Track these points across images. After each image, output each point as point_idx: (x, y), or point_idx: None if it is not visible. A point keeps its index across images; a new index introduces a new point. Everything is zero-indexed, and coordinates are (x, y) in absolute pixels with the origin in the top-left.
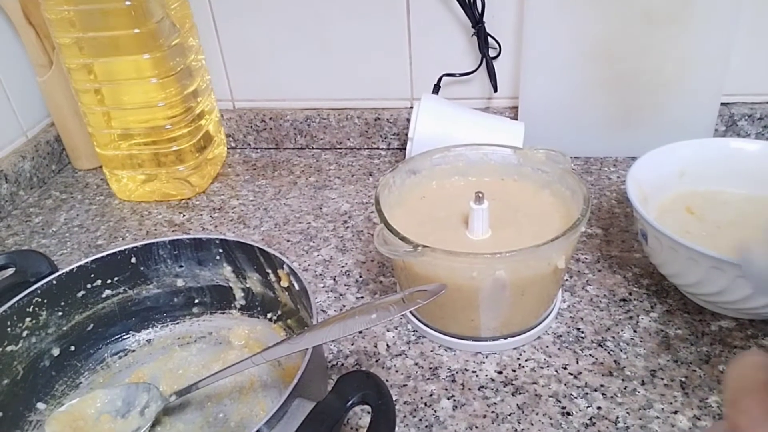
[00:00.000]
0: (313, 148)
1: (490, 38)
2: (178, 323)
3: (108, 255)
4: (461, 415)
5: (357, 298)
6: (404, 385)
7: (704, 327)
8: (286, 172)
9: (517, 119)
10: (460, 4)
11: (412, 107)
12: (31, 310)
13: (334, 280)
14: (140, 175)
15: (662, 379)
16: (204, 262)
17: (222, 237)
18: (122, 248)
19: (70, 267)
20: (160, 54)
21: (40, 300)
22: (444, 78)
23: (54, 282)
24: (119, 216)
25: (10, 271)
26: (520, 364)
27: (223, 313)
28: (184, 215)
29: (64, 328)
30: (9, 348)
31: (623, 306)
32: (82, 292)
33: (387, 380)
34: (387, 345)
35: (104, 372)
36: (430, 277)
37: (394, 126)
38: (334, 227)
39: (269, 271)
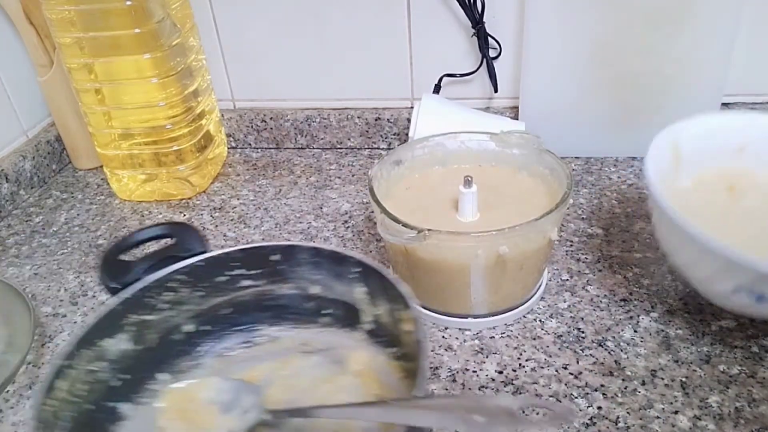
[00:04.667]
0: (313, 148)
1: (490, 38)
2: (305, 328)
3: (254, 247)
4: None
5: None
6: None
7: (705, 327)
8: (286, 171)
9: (517, 119)
10: (460, 5)
11: (412, 107)
12: (174, 285)
13: None
14: (141, 174)
15: (662, 379)
16: (340, 277)
17: (360, 258)
18: (268, 244)
19: (218, 252)
20: (160, 54)
21: (185, 278)
22: (444, 78)
23: (201, 263)
24: (120, 216)
25: (170, 241)
26: (520, 364)
27: (350, 331)
28: (184, 215)
29: (201, 308)
30: (147, 317)
31: (624, 306)
32: (224, 278)
33: None
34: None
35: (226, 359)
36: (435, 261)
37: (394, 126)
38: (334, 227)
39: (398, 306)
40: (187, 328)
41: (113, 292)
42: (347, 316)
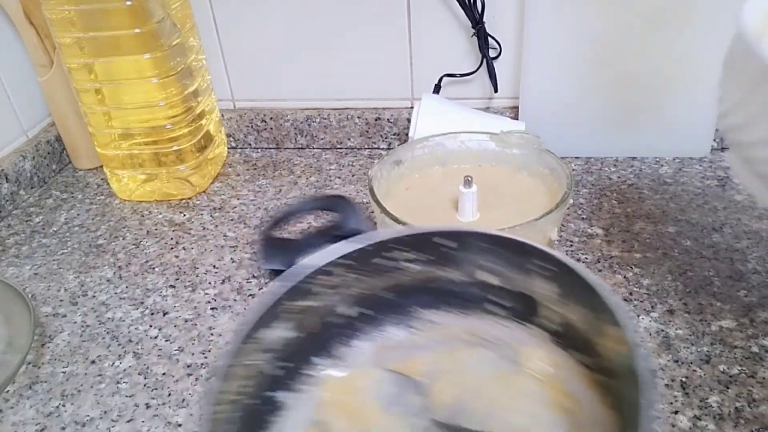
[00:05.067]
0: (313, 148)
1: (490, 38)
2: (471, 316)
3: (424, 233)
4: None
5: None
6: None
7: (705, 327)
8: (286, 171)
9: (517, 119)
10: (460, 5)
11: (412, 107)
12: (339, 269)
13: None
14: (141, 174)
15: (662, 379)
16: (524, 269)
17: (561, 258)
18: (442, 229)
19: (387, 236)
20: (160, 54)
21: (351, 262)
22: (444, 78)
23: (369, 248)
24: (120, 216)
25: (329, 216)
26: None
27: (525, 326)
28: (184, 215)
29: (363, 291)
30: (311, 303)
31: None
32: (388, 261)
33: None
34: None
35: (384, 345)
36: None
37: (394, 126)
38: None
39: (602, 318)
40: (346, 312)
41: (271, 273)
42: (523, 309)
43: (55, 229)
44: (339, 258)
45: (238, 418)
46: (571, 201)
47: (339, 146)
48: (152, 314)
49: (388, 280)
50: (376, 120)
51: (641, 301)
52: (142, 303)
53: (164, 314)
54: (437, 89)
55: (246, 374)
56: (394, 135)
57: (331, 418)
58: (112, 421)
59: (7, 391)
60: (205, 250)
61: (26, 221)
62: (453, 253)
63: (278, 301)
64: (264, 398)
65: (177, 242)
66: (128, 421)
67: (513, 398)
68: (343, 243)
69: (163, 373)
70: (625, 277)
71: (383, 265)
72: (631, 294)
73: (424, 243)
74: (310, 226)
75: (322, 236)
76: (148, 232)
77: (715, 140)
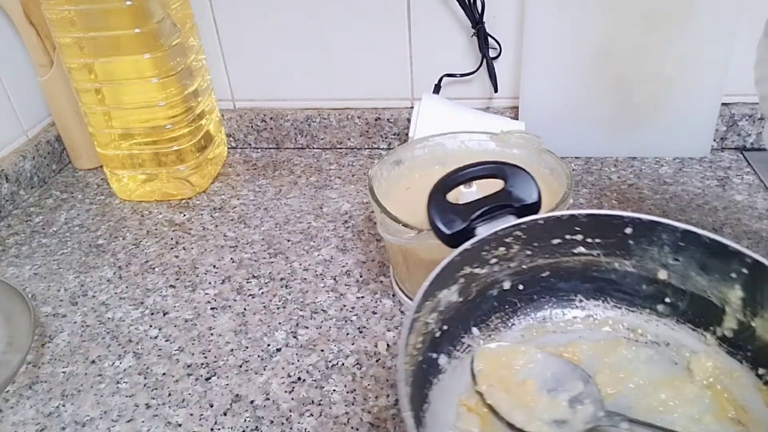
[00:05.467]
0: (313, 148)
1: (490, 38)
2: (636, 313)
3: (604, 215)
4: None
5: (357, 297)
6: None
7: None
8: (286, 171)
9: (517, 119)
10: (460, 5)
11: (412, 107)
12: (508, 240)
13: (335, 279)
14: (141, 174)
15: None
16: (709, 270)
17: (759, 258)
18: (621, 214)
19: (561, 213)
20: (160, 54)
21: (520, 234)
22: (444, 78)
23: (540, 222)
24: (120, 215)
25: (499, 184)
26: None
27: (699, 331)
28: (184, 215)
29: (524, 267)
30: (476, 270)
31: None
32: (558, 240)
33: (387, 380)
34: (387, 345)
35: (539, 325)
36: (435, 261)
37: (394, 126)
38: (334, 227)
39: None
40: (505, 285)
41: (444, 238)
42: (701, 314)
43: (55, 229)
44: (513, 229)
45: (411, 372)
46: (571, 201)
47: (339, 146)
48: (152, 314)
49: (553, 260)
50: (376, 120)
51: None
52: (142, 303)
53: (164, 314)
54: (437, 89)
55: (420, 330)
56: (394, 135)
57: (489, 390)
58: (112, 421)
59: (7, 391)
60: (205, 250)
61: (26, 221)
62: (634, 245)
63: (452, 265)
64: (427, 358)
65: (177, 242)
66: (128, 421)
67: (679, 403)
68: (522, 218)
69: (163, 373)
70: None
71: (554, 245)
72: None
73: (604, 227)
74: (484, 197)
75: (492, 204)
76: (148, 232)
77: (715, 140)
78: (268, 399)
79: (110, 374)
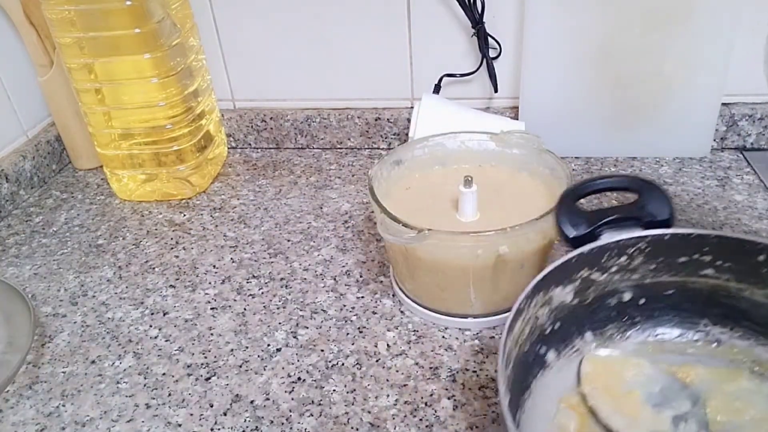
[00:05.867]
0: (313, 148)
1: (490, 38)
2: (764, 345)
3: (734, 238)
4: (462, 414)
5: (357, 297)
6: (404, 385)
7: None
8: (286, 171)
9: (517, 119)
10: (460, 5)
11: (412, 107)
12: (631, 252)
13: (335, 279)
14: (141, 174)
15: None
16: None
17: None
18: (754, 240)
19: (689, 231)
20: (160, 54)
21: (643, 247)
22: (444, 78)
23: (666, 237)
24: (120, 216)
25: (632, 197)
26: None
27: None
28: (184, 215)
29: (647, 281)
30: (594, 276)
31: None
32: (685, 259)
33: (387, 380)
34: (387, 345)
35: (656, 342)
36: (435, 261)
37: (394, 126)
38: (334, 227)
39: None
40: (625, 297)
41: (567, 239)
42: None
43: (55, 229)
44: (637, 241)
45: (514, 355)
46: None
47: (339, 146)
48: (152, 314)
49: (678, 279)
50: (376, 120)
51: None
52: (142, 303)
53: (164, 314)
54: (437, 89)
55: (527, 321)
56: (394, 135)
57: (592, 392)
58: (112, 421)
59: (7, 391)
60: (205, 250)
61: (26, 221)
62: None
63: (568, 265)
64: (534, 351)
65: (177, 242)
66: (128, 421)
67: None
68: (647, 231)
69: (163, 373)
70: None
71: (679, 263)
72: None
73: (735, 252)
74: (615, 206)
75: (621, 215)
76: (148, 232)
77: (715, 140)
78: (268, 399)
79: (110, 374)
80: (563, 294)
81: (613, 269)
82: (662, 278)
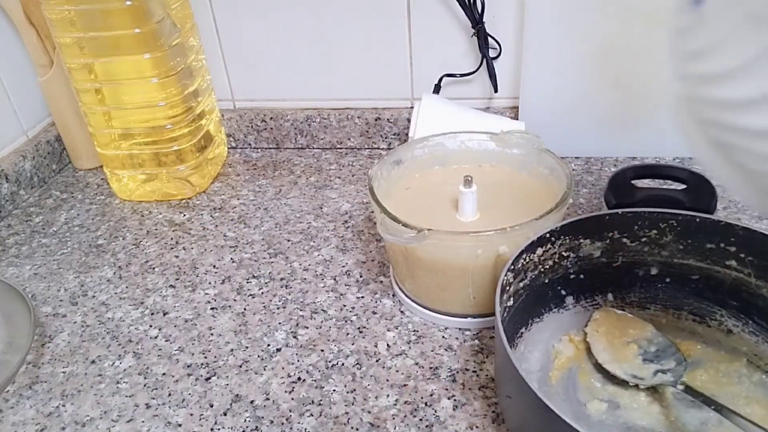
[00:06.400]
0: (313, 148)
1: (490, 38)
2: None
3: (761, 233)
4: (462, 414)
5: (357, 297)
6: (404, 385)
7: None
8: (286, 171)
9: (517, 119)
10: (460, 5)
11: (412, 107)
12: (663, 226)
13: (335, 279)
14: (141, 174)
15: None
16: None
17: None
18: None
19: (717, 218)
20: (160, 54)
21: (674, 223)
22: (444, 78)
23: (697, 219)
24: (120, 216)
25: (680, 187)
26: None
27: None
28: (184, 215)
29: (675, 260)
30: (624, 240)
31: None
32: (712, 246)
33: (387, 380)
34: (387, 345)
35: (673, 317)
36: (435, 261)
37: (394, 126)
38: (334, 227)
39: None
40: (653, 271)
41: (609, 204)
42: None
43: (55, 229)
44: (668, 216)
45: (530, 276)
46: (571, 201)
47: (339, 146)
48: (152, 314)
49: (704, 264)
50: (376, 120)
51: None
52: (142, 303)
53: (164, 314)
54: (437, 89)
55: (552, 254)
56: (394, 135)
57: (593, 333)
58: (112, 421)
59: (7, 391)
60: (205, 250)
61: (26, 221)
62: None
63: (599, 220)
64: (555, 288)
65: (177, 242)
66: (128, 421)
67: (766, 420)
68: (679, 210)
69: (163, 373)
70: None
71: (706, 248)
72: None
73: (760, 246)
74: (664, 188)
75: (666, 196)
76: (148, 232)
77: None
78: (268, 399)
79: (110, 374)
80: (592, 248)
81: (644, 239)
82: (689, 261)
